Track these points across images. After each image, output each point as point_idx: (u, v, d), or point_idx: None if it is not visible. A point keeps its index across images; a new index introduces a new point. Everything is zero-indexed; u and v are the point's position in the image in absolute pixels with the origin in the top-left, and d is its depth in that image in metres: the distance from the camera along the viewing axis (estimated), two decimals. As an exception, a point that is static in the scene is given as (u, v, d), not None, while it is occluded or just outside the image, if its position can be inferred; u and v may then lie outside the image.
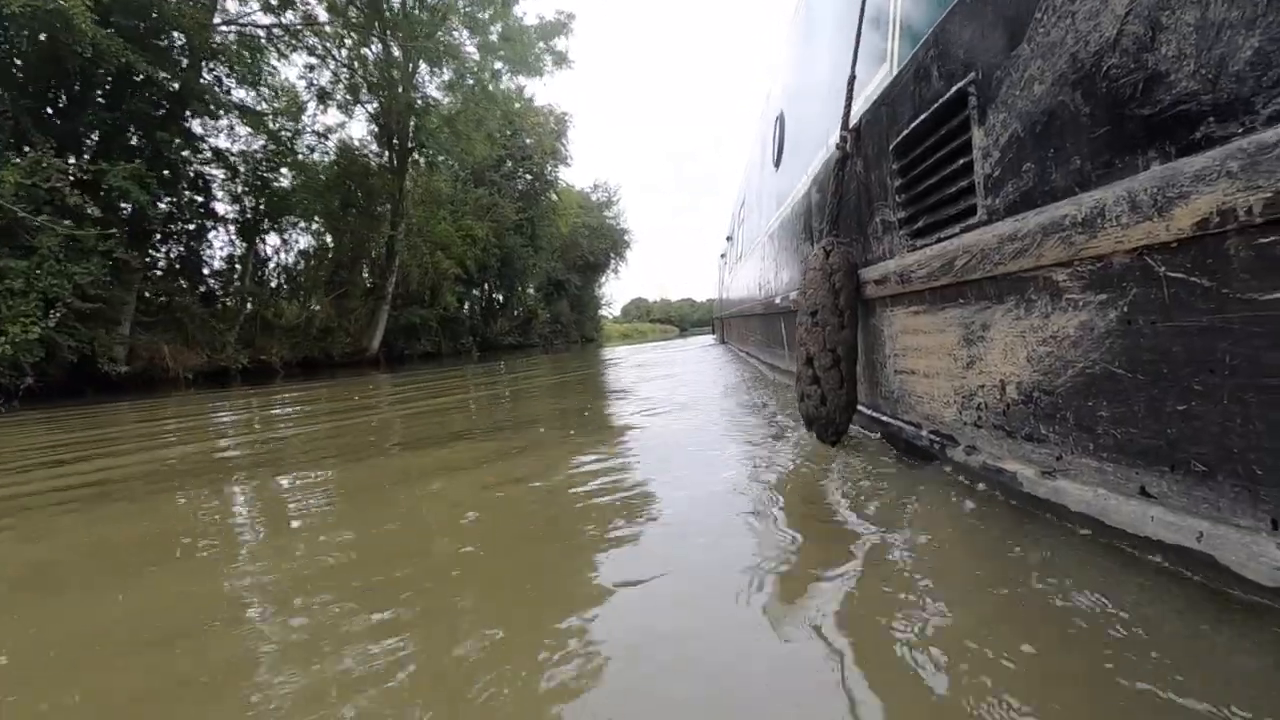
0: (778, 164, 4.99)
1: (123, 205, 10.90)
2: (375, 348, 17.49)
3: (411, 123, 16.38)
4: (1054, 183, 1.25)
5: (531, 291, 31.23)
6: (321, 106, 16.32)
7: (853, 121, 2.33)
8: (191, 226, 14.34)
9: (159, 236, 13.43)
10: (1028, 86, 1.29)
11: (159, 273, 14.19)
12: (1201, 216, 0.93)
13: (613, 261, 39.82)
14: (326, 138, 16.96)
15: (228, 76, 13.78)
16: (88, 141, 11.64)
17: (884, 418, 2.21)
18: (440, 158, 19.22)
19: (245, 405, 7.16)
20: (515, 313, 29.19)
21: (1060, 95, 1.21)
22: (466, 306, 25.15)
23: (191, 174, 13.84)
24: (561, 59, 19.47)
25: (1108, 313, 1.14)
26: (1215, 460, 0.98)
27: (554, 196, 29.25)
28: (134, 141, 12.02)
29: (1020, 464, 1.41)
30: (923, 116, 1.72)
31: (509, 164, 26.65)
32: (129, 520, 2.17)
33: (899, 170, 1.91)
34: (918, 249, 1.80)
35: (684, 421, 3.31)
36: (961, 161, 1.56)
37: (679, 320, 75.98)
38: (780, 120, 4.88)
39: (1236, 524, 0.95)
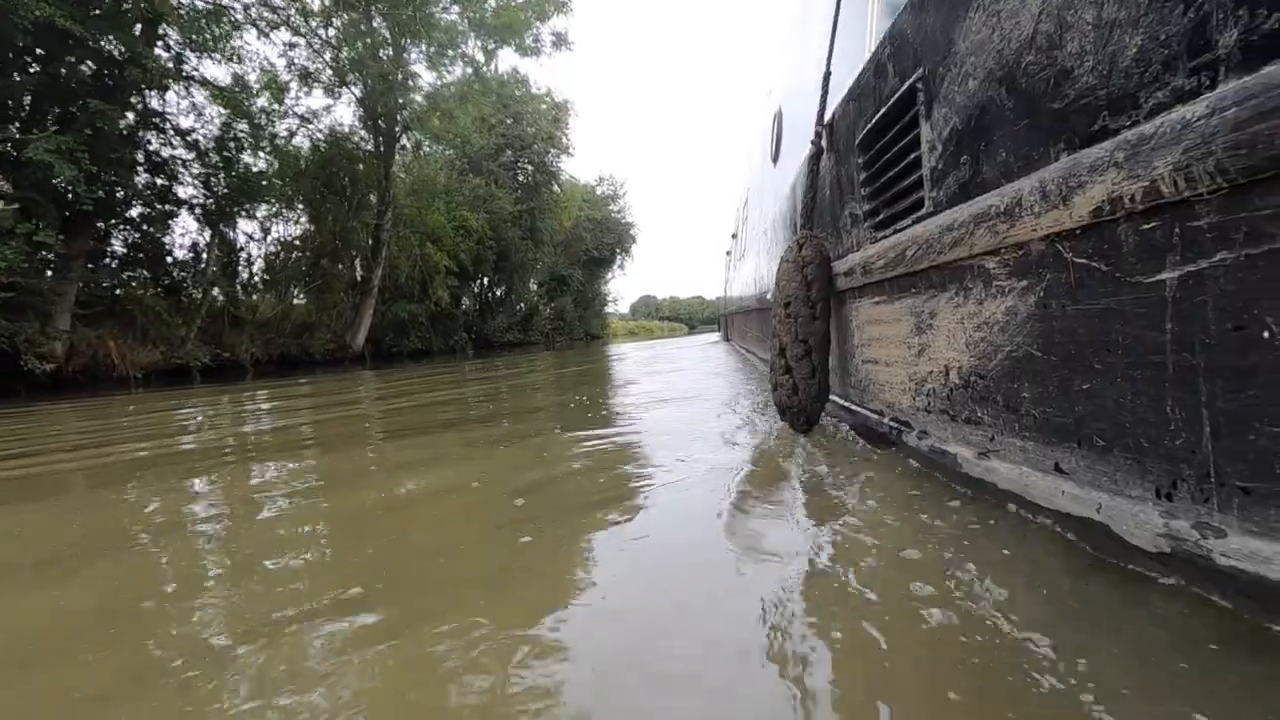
0: (776, 160, 5.13)
1: (68, 188, 10.01)
2: (360, 344, 17.32)
3: (399, 101, 16.21)
4: (985, 175, 1.37)
5: (533, 287, 31.36)
6: (305, 88, 16.24)
7: (827, 117, 2.46)
8: (150, 211, 13.50)
9: (112, 220, 12.51)
10: (964, 82, 1.42)
11: (113, 262, 13.33)
12: (1096, 205, 1.06)
13: (619, 257, 39.88)
14: (309, 121, 16.73)
15: (179, 45, 12.61)
16: (13, 112, 10.61)
17: (854, 406, 2.34)
18: (433, 144, 19.18)
19: (165, 407, 7.29)
20: (516, 309, 29.28)
21: (989, 91, 1.34)
22: (463, 302, 25.24)
23: (147, 152, 13.00)
24: (561, 40, 19.60)
25: (1028, 298, 1.27)
26: (1113, 435, 1.10)
27: (556, 189, 29.35)
28: (77, 115, 10.77)
29: (961, 446, 1.54)
30: (882, 111, 1.85)
31: (508, 153, 26.79)
32: None
33: (863, 164, 2.03)
34: (878, 240, 1.92)
35: (673, 420, 3.44)
36: (913, 156, 1.69)
37: (688, 318, 76.60)
38: (779, 116, 5.02)
39: (1129, 495, 1.08)
